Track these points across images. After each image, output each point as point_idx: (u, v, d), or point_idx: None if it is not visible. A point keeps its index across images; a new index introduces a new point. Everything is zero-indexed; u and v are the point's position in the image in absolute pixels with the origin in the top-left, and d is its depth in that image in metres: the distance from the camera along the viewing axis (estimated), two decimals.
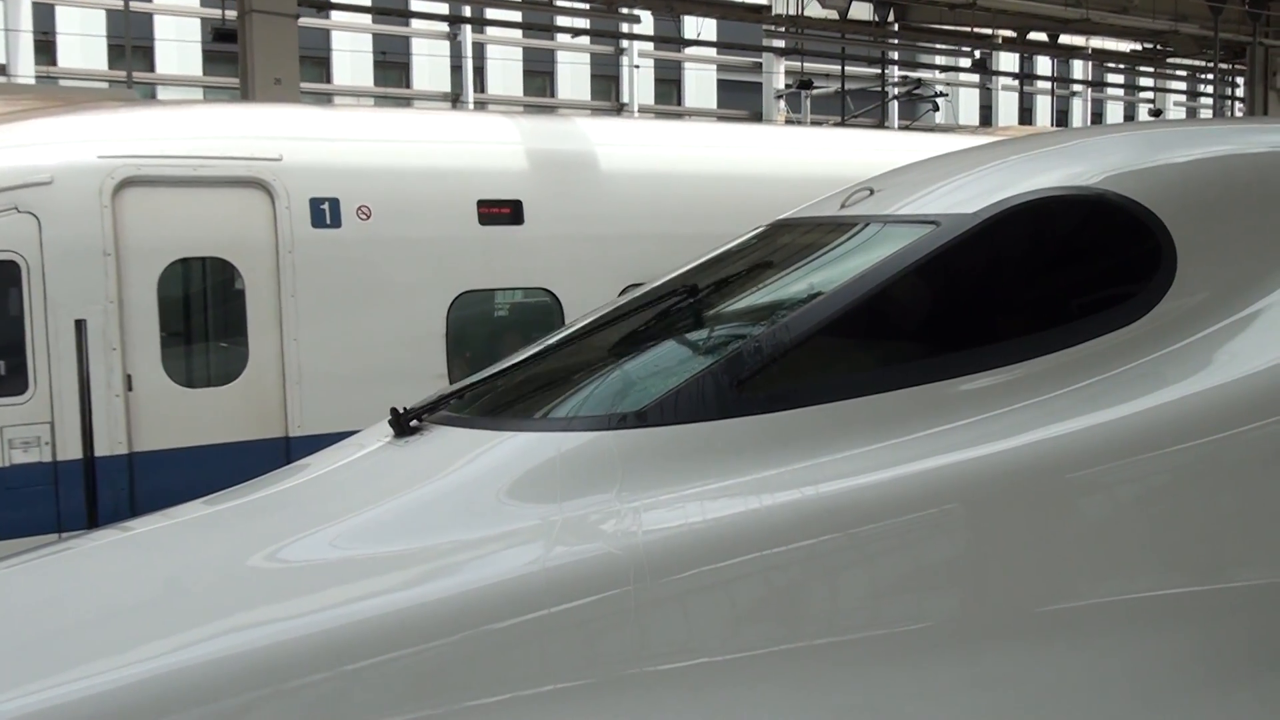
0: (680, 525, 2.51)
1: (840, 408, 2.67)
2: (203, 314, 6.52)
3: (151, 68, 25.42)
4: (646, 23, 20.15)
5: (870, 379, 2.75)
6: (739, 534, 2.50)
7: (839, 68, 22.46)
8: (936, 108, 25.45)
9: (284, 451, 6.10)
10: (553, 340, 3.42)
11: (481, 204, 6.84)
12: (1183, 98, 31.86)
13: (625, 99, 29.37)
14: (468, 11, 19.78)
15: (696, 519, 2.52)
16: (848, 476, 2.58)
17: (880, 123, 23.64)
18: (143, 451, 5.96)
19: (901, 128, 22.53)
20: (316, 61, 25.92)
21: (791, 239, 3.51)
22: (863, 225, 3.22)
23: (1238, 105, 22.67)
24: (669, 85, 31.93)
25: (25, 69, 23.29)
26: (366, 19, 24.32)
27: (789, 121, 23.52)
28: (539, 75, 30.34)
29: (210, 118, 6.72)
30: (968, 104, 33.23)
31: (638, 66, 28.94)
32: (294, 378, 6.26)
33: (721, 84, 32.05)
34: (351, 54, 27.44)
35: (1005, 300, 3.02)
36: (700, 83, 31.99)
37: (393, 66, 28.15)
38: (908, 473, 2.60)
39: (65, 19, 24.89)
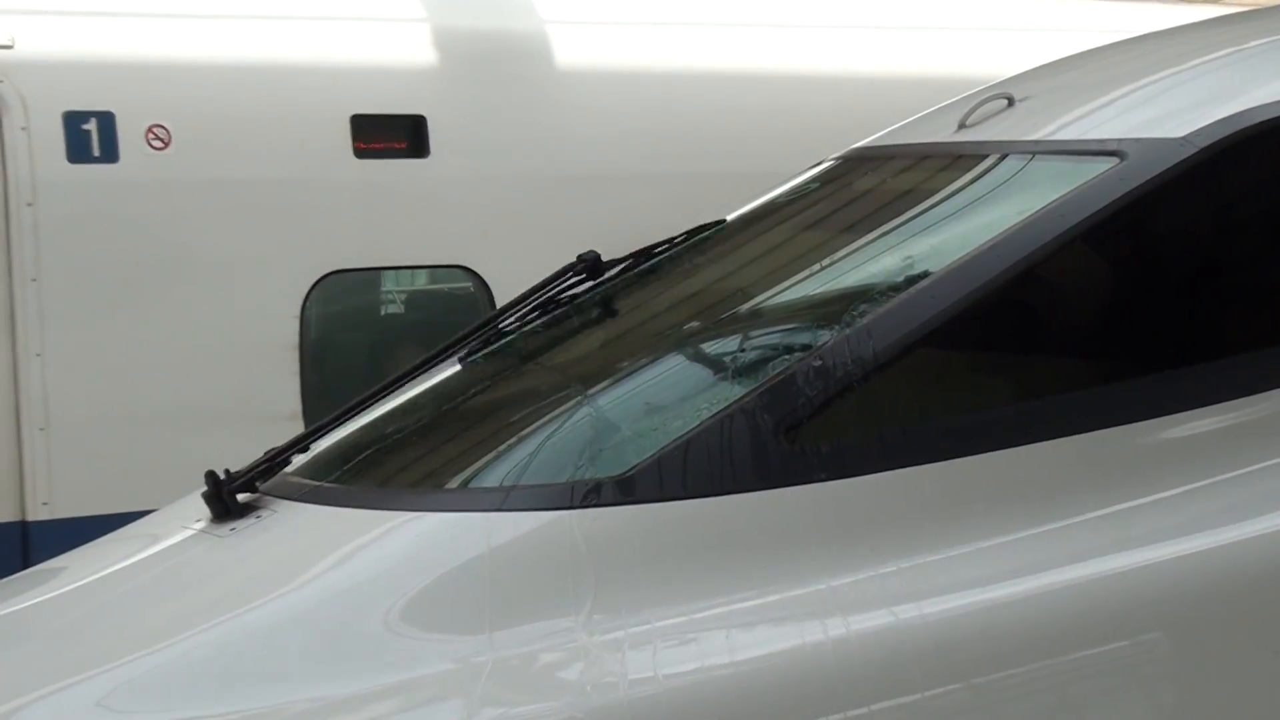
0: (693, 671, 2.53)
1: (960, 469, 2.70)
2: None
3: None
4: None
5: (1013, 421, 2.78)
6: (792, 684, 2.53)
7: None
8: None
9: (19, 546, 6.09)
10: (474, 352, 3.43)
11: (359, 124, 6.85)
12: None
13: None
14: None
15: (720, 661, 2.54)
16: (974, 588, 2.61)
17: None
18: None
19: None
20: None
21: (877, 182, 3.55)
22: (997, 158, 3.27)
23: None
24: None
25: None
26: None
27: None
28: None
29: None
30: None
31: None
32: (36, 420, 6.25)
33: None
34: None
35: (1239, 285, 3.06)
36: None
37: None
38: (1076, 580, 2.63)
39: None
